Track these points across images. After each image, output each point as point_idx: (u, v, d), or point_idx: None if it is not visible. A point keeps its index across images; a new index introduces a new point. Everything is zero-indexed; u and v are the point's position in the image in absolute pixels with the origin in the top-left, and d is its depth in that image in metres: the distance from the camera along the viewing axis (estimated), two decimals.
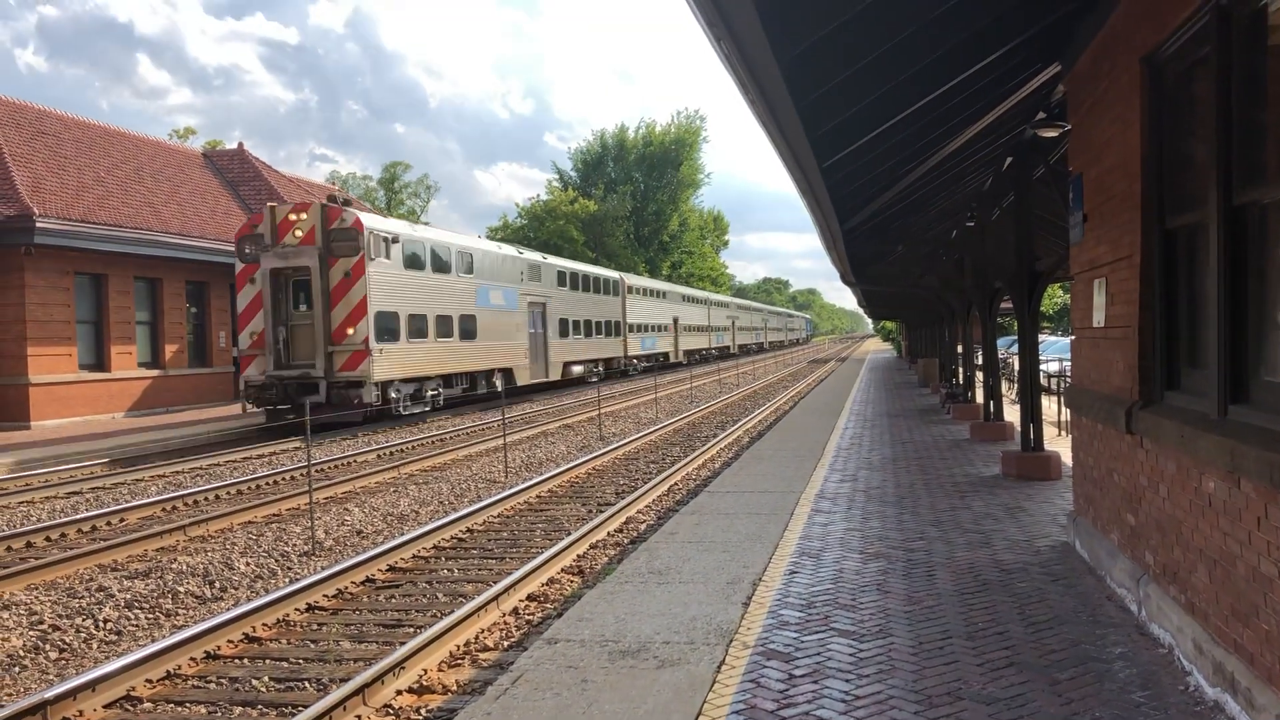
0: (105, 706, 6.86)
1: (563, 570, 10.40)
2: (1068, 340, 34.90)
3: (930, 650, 5.92)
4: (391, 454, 21.15)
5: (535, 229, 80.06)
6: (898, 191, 11.15)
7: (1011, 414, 18.05)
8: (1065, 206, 10.64)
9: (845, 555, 8.51)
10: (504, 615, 8.77)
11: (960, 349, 25.05)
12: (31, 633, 8.85)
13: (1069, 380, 20.92)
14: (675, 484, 16.07)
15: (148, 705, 6.95)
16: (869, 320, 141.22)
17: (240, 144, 44.74)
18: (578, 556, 10.99)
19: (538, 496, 15.16)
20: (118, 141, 35.39)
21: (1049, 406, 19.01)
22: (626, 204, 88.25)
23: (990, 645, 5.99)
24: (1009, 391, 24.63)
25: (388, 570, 10.65)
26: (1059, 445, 14.05)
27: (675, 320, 63.60)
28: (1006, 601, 6.95)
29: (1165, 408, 5.99)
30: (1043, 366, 21.31)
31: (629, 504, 13.64)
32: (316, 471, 16.88)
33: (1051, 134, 10.53)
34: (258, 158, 42.86)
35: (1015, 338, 37.58)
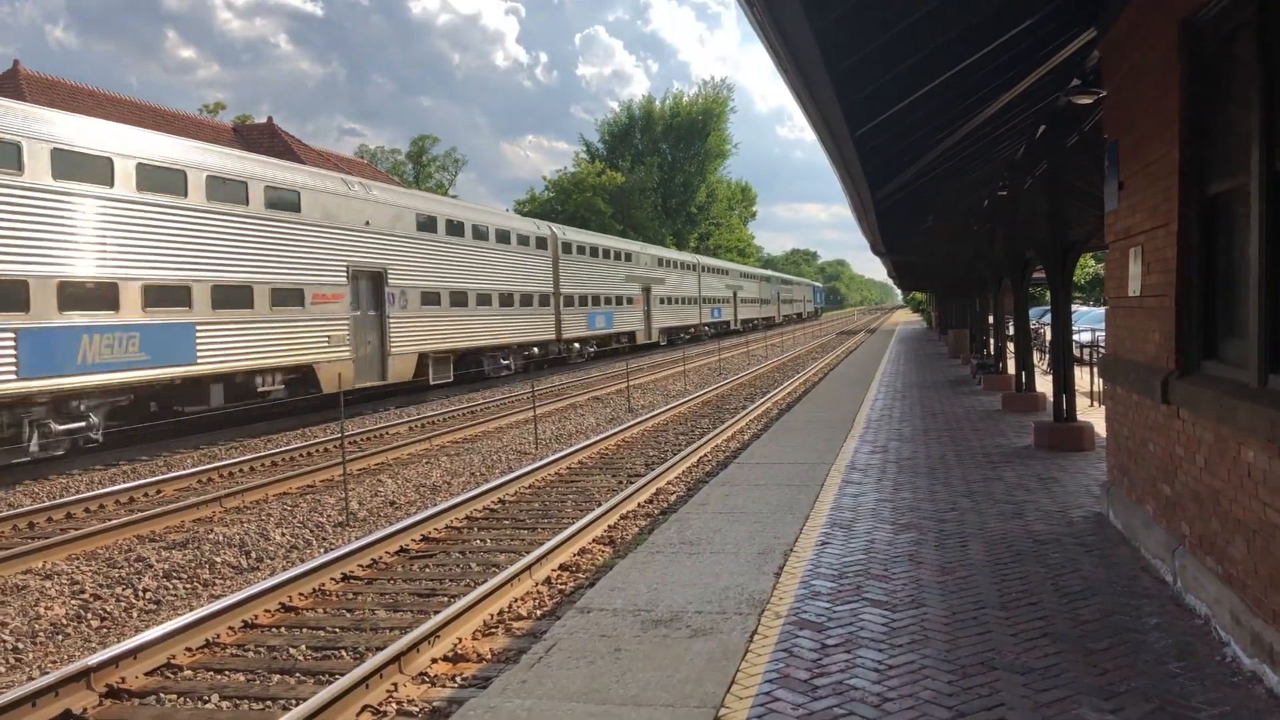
0: (147, 674, 6.98)
1: (594, 540, 10.46)
2: (1099, 310, 34.57)
3: (964, 620, 5.92)
4: (423, 425, 21.29)
5: (562, 201, 79.90)
6: (929, 160, 11.04)
7: (1043, 385, 17.93)
8: (1100, 174, 10.52)
9: (877, 526, 8.50)
10: (536, 585, 8.85)
11: (991, 320, 24.87)
12: (74, 601, 9.02)
13: (1102, 350, 20.77)
14: (705, 455, 16.10)
15: (188, 673, 7.07)
16: (898, 291, 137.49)
17: (270, 118, 44.95)
18: (609, 527, 11.04)
19: (568, 468, 15.23)
20: (149, 116, 35.59)
21: (1081, 377, 18.86)
22: (654, 175, 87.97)
23: (1024, 616, 5.98)
24: (1039, 362, 24.45)
25: (421, 540, 10.75)
26: (1091, 416, 13.95)
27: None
28: (1040, 572, 6.93)
29: (1203, 377, 5.93)
30: (1075, 337, 21.13)
31: (659, 475, 13.68)
32: (349, 443, 17.04)
33: (1086, 101, 10.36)
34: (287, 132, 43.02)
35: (1046, 308, 37.30)
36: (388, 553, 10.16)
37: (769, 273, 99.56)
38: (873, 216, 12.15)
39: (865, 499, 9.69)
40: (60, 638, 8.14)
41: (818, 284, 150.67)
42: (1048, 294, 43.18)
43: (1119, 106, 7.98)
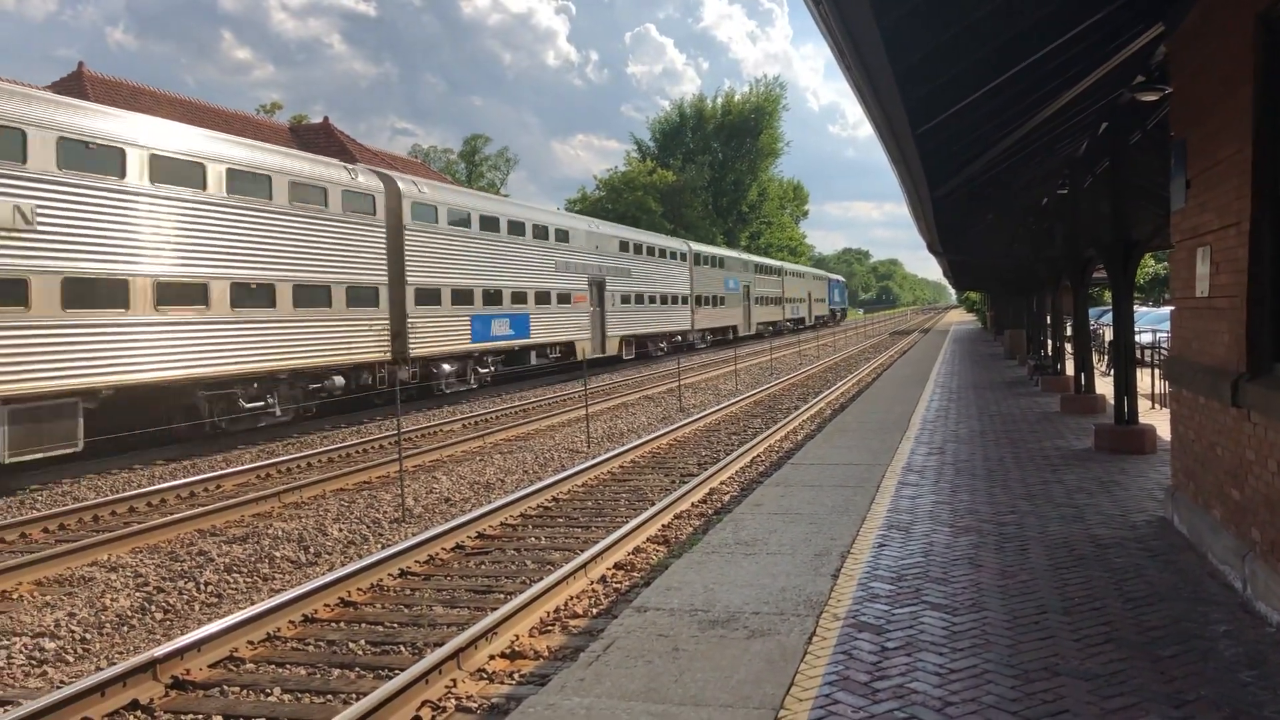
0: (210, 666, 7.10)
1: (648, 540, 10.46)
2: (1159, 311, 33.99)
3: (1025, 625, 5.84)
4: (476, 423, 21.43)
5: (613, 200, 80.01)
6: (989, 158, 10.90)
7: (1102, 386, 17.64)
8: (1164, 173, 10.32)
9: (935, 529, 8.41)
10: (592, 583, 8.87)
11: (1049, 320, 24.51)
12: (138, 594, 9.19)
13: (1163, 352, 20.39)
14: (758, 456, 16.04)
15: (250, 665, 7.18)
16: (952, 291, 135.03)
17: (326, 118, 45.46)
18: (663, 526, 11.04)
19: (620, 467, 15.25)
20: (208, 116, 36.17)
21: (1141, 379, 18.54)
22: (705, 174, 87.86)
23: (1087, 621, 5.89)
24: (1098, 364, 24.05)
25: (477, 537, 10.82)
26: (1152, 418, 13.72)
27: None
28: (1103, 577, 6.82)
29: (1275, 379, 5.79)
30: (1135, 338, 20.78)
31: (712, 475, 13.65)
32: (404, 440, 17.20)
33: (1151, 98, 10.19)
34: (343, 131, 43.50)
35: (1103, 309, 36.71)
36: (444, 549, 10.24)
37: (737, 255, 62.32)
38: (930, 215, 12.03)
39: (922, 501, 9.59)
40: (126, 629, 8.30)
41: (837, 278, 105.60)
42: (1105, 294, 42.54)
43: (1187, 103, 7.82)
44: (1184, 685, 4.88)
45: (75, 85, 32.49)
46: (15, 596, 9.25)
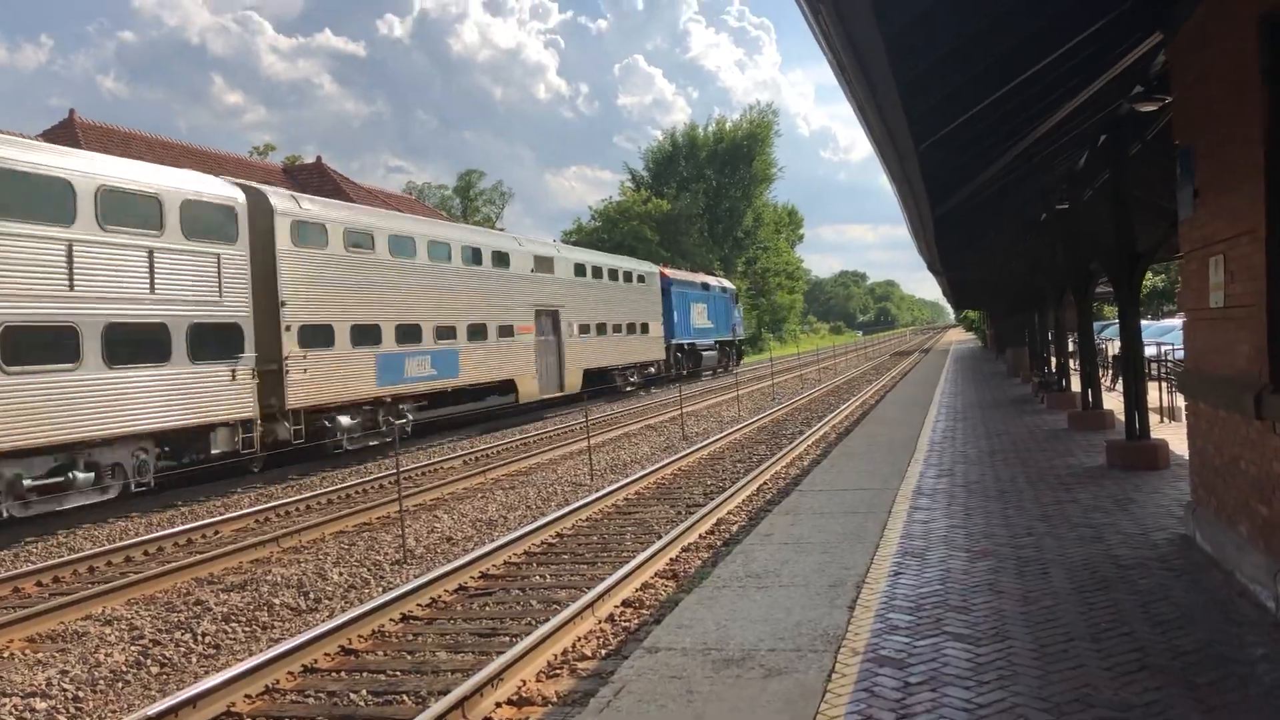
0: None
1: (656, 575, 10.22)
2: (1161, 324, 33.79)
3: (1053, 654, 5.61)
4: (477, 459, 21.19)
5: (609, 230, 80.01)
6: (989, 175, 10.77)
7: (1108, 402, 17.43)
8: (1166, 182, 10.16)
9: (951, 554, 8.18)
10: (600, 622, 8.61)
11: (1052, 336, 24.34)
12: (133, 647, 8.94)
13: (1169, 365, 20.20)
14: (764, 483, 15.80)
15: None
16: (950, 310, 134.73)
17: (319, 158, 45.51)
18: (670, 560, 10.79)
19: (625, 499, 15.01)
20: (201, 160, 36.16)
21: (1148, 393, 18.33)
22: (699, 202, 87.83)
23: (1117, 647, 5.65)
24: (1103, 378, 23.85)
25: (480, 578, 10.57)
26: (1163, 432, 13.50)
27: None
28: (1129, 600, 6.59)
29: None
30: None
31: (719, 505, 13.41)
32: (404, 479, 16.95)
33: (1150, 108, 10.06)
34: (336, 170, 43.52)
35: (1105, 323, 36.53)
36: (446, 591, 9.99)
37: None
38: (931, 233, 11.87)
39: (936, 525, 9.36)
40: (120, 685, 8.04)
41: (727, 284, 58.73)
42: (1106, 309, 42.29)
43: (1191, 110, 7.67)
44: (1226, 715, 4.65)
45: (67, 133, 32.48)
46: (6, 654, 8.99)
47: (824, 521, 9.88)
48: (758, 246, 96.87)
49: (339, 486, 17.54)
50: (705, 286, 51.12)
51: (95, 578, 11.98)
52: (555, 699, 6.92)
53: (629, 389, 39.37)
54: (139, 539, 13.59)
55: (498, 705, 6.78)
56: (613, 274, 37.73)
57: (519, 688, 7.06)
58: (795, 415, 27.98)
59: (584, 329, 33.55)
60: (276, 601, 10.21)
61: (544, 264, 31.38)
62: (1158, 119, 10.55)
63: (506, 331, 28.00)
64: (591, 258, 37.05)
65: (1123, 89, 9.82)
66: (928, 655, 5.73)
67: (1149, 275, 46.11)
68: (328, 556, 12.21)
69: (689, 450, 19.66)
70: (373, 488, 17.77)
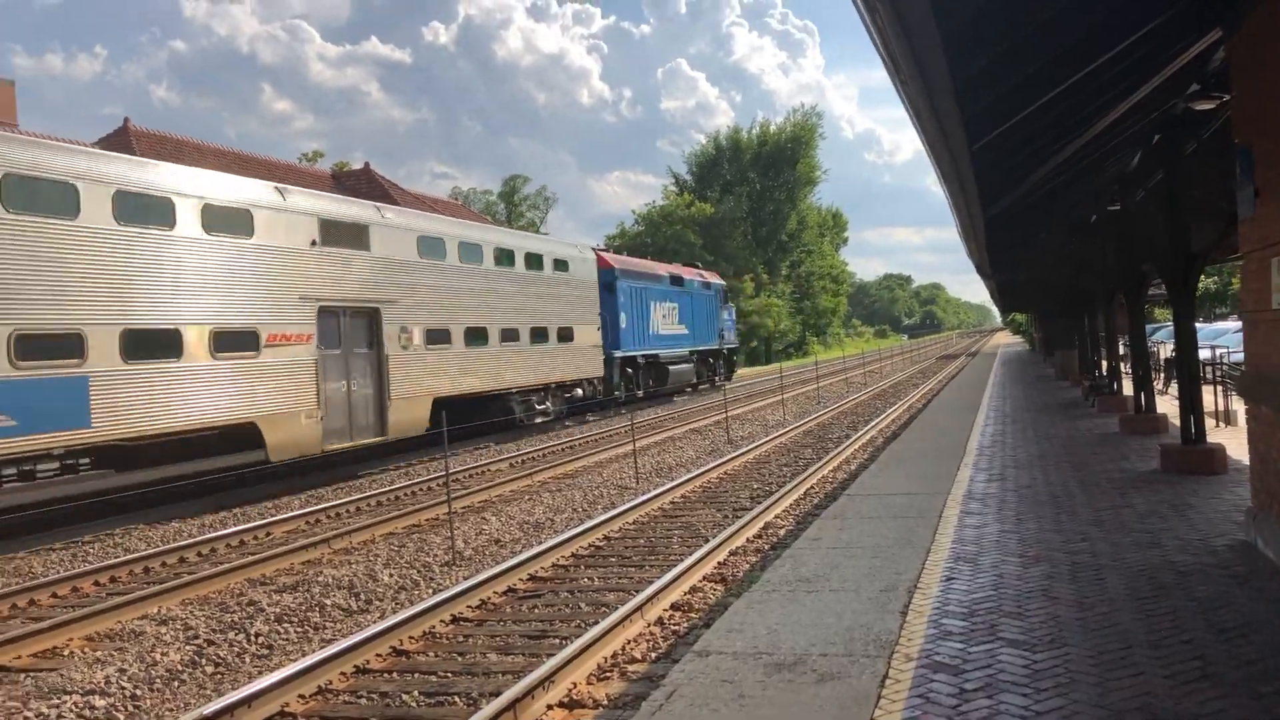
0: None
1: (704, 578, 10.19)
2: (1213, 326, 33.20)
3: (1111, 661, 5.52)
4: (523, 462, 21.28)
5: (652, 234, 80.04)
6: (1040, 176, 10.65)
7: (1161, 405, 17.16)
8: (1223, 182, 10.00)
9: (1004, 559, 8.09)
10: (649, 625, 8.61)
11: (1103, 338, 24.02)
12: (188, 647, 9.05)
13: (1223, 368, 19.86)
14: (811, 487, 15.71)
15: None
16: (997, 313, 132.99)
17: (366, 164, 45.97)
18: (718, 564, 10.77)
19: (671, 502, 15.00)
20: (252, 167, 36.67)
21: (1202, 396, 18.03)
22: (743, 205, 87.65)
23: (1178, 655, 5.56)
24: (1155, 381, 23.49)
25: (529, 580, 10.61)
26: (1218, 436, 13.27)
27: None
28: (1188, 606, 6.47)
29: None
30: None
31: (765, 509, 13.35)
32: (452, 481, 17.04)
33: (1208, 106, 9.90)
34: (384, 176, 43.94)
35: (1156, 325, 35.97)
36: (496, 593, 10.04)
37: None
38: (982, 236, 11.76)
39: (988, 530, 9.26)
40: (176, 684, 8.15)
41: (712, 280, 46.74)
42: (1157, 311, 41.61)
43: (1251, 108, 7.53)
44: None
45: (121, 140, 33.08)
46: (66, 653, 9.16)
47: (873, 526, 9.81)
48: (802, 250, 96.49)
49: (388, 489, 17.69)
50: (676, 281, 40.38)
51: (150, 578, 12.17)
52: (606, 702, 6.92)
53: (541, 420, 28.26)
54: (192, 540, 13.78)
55: (549, 707, 6.79)
56: (503, 256, 25.81)
57: (570, 690, 7.07)
58: (841, 419, 27.82)
59: (435, 336, 22.29)
60: (328, 602, 10.30)
61: (340, 233, 19.52)
62: (1214, 117, 10.38)
63: (245, 342, 17.11)
64: (456, 229, 24.59)
65: (1178, 87, 9.67)
66: (983, 661, 5.66)
67: (1202, 277, 45.38)
68: (378, 558, 12.31)
69: (734, 454, 19.60)
70: (421, 490, 17.89)
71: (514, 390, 26.19)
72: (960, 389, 32.28)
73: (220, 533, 14.15)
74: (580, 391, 30.39)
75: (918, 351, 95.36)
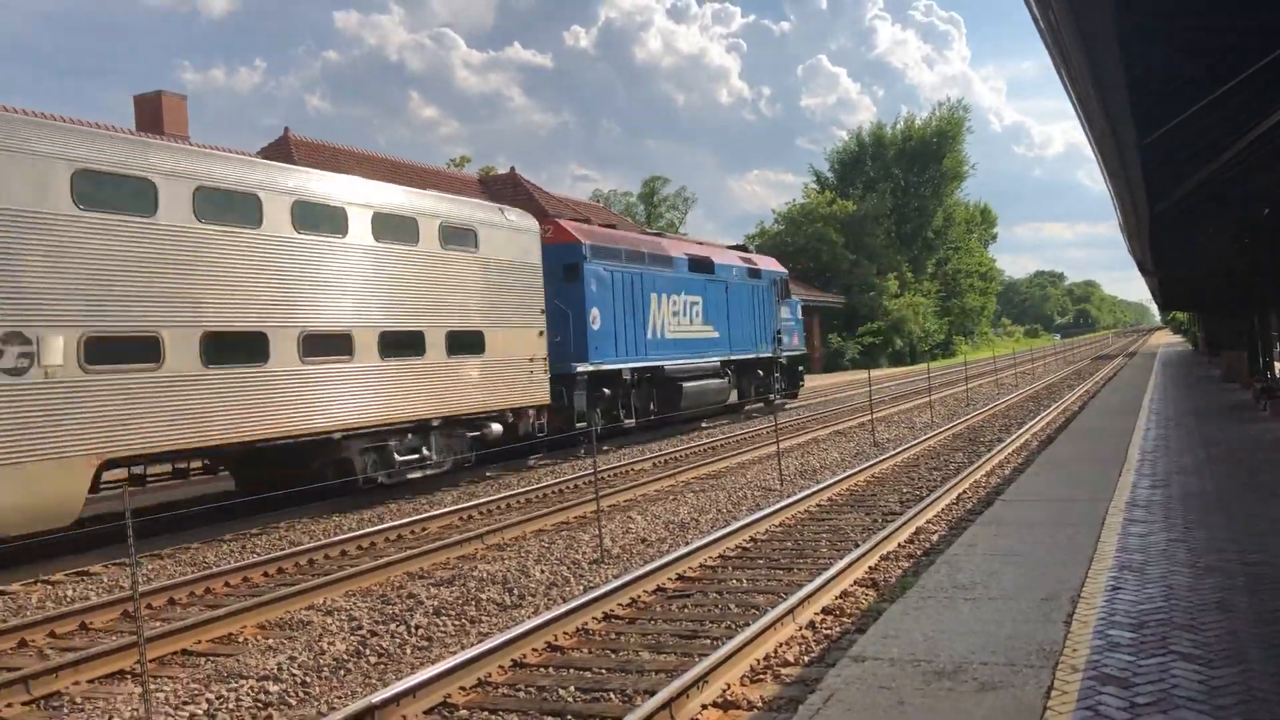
0: (425, 712, 7.17)
1: (855, 583, 10.09)
2: None
3: None
4: (666, 462, 21.43)
5: (792, 233, 79.31)
6: (1210, 171, 10.18)
7: None
8: None
9: (1173, 569, 7.78)
10: (800, 629, 8.58)
11: (1277, 337, 22.76)
12: (352, 637, 9.44)
13: None
14: (963, 492, 15.36)
15: (463, 713, 7.21)
16: (1155, 311, 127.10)
17: (512, 168, 46.97)
18: (869, 568, 10.64)
19: (817, 505, 14.88)
20: (406, 173, 37.97)
21: None
22: (886, 202, 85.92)
23: None
24: None
25: (677, 579, 10.70)
26: None
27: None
28: None
29: None
30: None
31: (917, 514, 13.13)
32: (598, 480, 17.29)
33: None
34: (528, 180, 44.84)
35: None
36: (645, 591, 10.16)
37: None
38: (1146, 232, 11.32)
39: (1154, 539, 8.91)
40: (342, 673, 8.51)
41: (764, 265, 34.31)
42: None
43: None
44: None
45: (282, 149, 34.68)
46: (241, 639, 9.67)
47: (1031, 532, 9.55)
48: (949, 247, 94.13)
49: (536, 486, 18.07)
50: (699, 265, 29.35)
51: (315, 570, 12.73)
52: (761, 704, 6.93)
53: (419, 475, 18.27)
54: (353, 534, 14.35)
55: (704, 707, 6.84)
56: (317, 217, 15.94)
57: (724, 691, 7.11)
58: (992, 421, 27.09)
59: (114, 349, 12.83)
60: (483, 597, 10.60)
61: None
62: None
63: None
64: (208, 167, 14.47)
65: None
66: (1154, 675, 5.47)
67: None
68: (529, 554, 12.60)
69: (881, 457, 19.32)
70: (568, 488, 18.22)
71: (352, 431, 16.38)
72: (1118, 391, 31.06)
73: (378, 527, 14.70)
74: (497, 428, 19.88)
75: (1071, 352, 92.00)
